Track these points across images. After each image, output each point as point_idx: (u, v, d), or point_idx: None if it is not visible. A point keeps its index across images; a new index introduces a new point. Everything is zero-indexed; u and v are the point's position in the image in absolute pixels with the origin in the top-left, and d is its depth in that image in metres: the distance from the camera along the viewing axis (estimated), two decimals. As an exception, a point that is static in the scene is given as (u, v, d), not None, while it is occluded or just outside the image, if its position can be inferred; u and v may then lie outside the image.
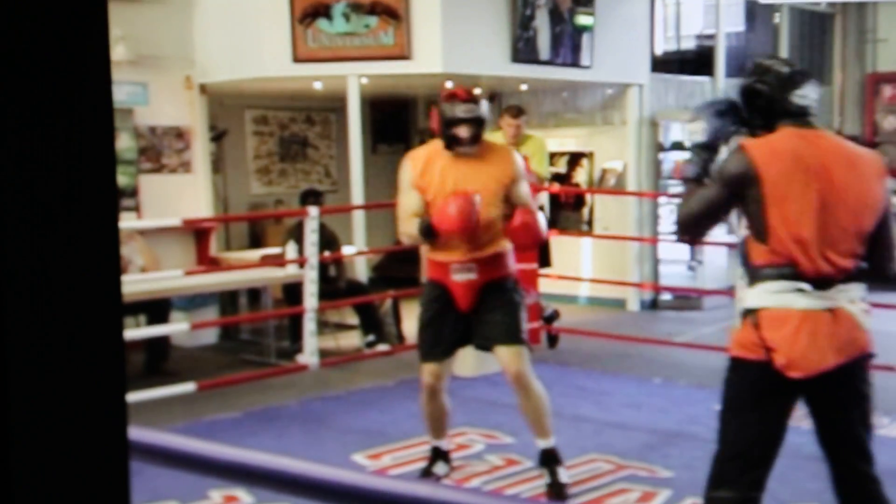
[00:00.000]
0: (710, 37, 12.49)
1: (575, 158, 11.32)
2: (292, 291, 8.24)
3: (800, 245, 3.40)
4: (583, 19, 10.03)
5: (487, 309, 5.02)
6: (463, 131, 4.91)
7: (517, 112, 8.34)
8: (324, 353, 7.75)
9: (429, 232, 4.84)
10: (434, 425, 5.35)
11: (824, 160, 3.47)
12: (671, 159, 11.31)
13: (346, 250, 9.04)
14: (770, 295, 3.44)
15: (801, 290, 3.41)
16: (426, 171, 4.97)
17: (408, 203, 5.00)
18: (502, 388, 7.34)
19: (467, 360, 7.71)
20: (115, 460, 0.77)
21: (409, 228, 4.95)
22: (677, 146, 11.20)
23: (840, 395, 3.54)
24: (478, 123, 4.95)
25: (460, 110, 4.92)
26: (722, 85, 11.81)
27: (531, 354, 8.05)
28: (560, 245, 9.49)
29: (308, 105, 12.10)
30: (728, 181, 3.47)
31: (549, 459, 5.17)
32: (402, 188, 5.08)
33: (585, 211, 11.21)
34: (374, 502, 1.35)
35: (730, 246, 9.54)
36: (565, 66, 9.96)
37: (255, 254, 9.85)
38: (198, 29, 9.51)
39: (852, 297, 3.48)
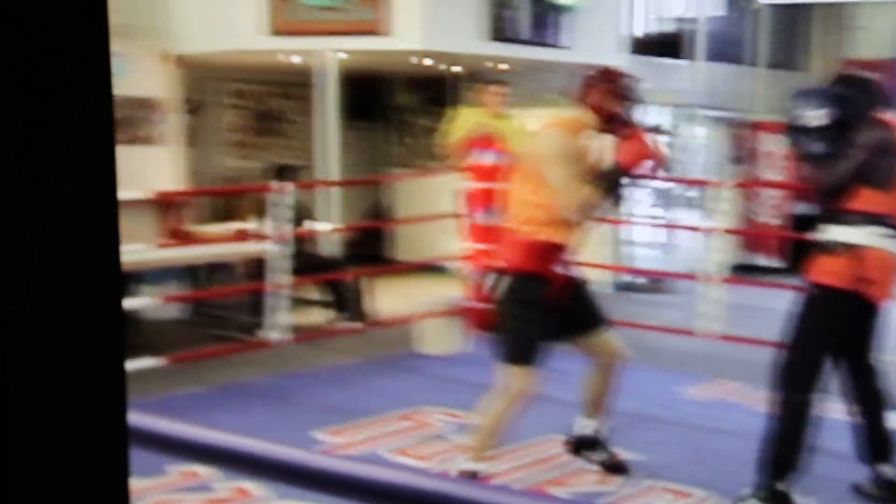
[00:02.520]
0: (691, 20, 12.48)
1: (551, 139, 11.29)
2: (263, 267, 8.22)
3: None
4: (564, 0, 10.01)
5: (577, 298, 4.92)
6: (628, 111, 4.74)
7: (502, 83, 8.38)
8: (295, 330, 7.74)
9: (617, 176, 4.61)
10: (496, 443, 4.94)
11: None
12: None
13: (320, 226, 9.02)
14: (874, 237, 4.47)
15: (893, 237, 4.50)
16: (575, 141, 4.67)
17: (570, 173, 4.58)
18: (468, 366, 7.37)
19: (434, 337, 7.72)
20: (115, 458, 0.77)
21: (578, 192, 4.55)
22: (655, 129, 11.18)
23: (877, 319, 4.68)
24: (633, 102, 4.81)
25: (632, 91, 4.78)
26: (701, 68, 11.80)
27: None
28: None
29: (285, 79, 12.03)
30: (873, 147, 4.45)
31: (597, 439, 5.21)
32: (558, 159, 4.60)
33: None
34: (333, 484, 1.35)
35: (702, 231, 9.58)
36: (545, 46, 9.94)
37: (229, 228, 9.81)
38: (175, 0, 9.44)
39: None
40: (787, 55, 13.31)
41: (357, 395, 6.62)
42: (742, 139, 12.46)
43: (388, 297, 9.23)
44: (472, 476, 4.77)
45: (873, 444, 4.79)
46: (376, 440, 5.64)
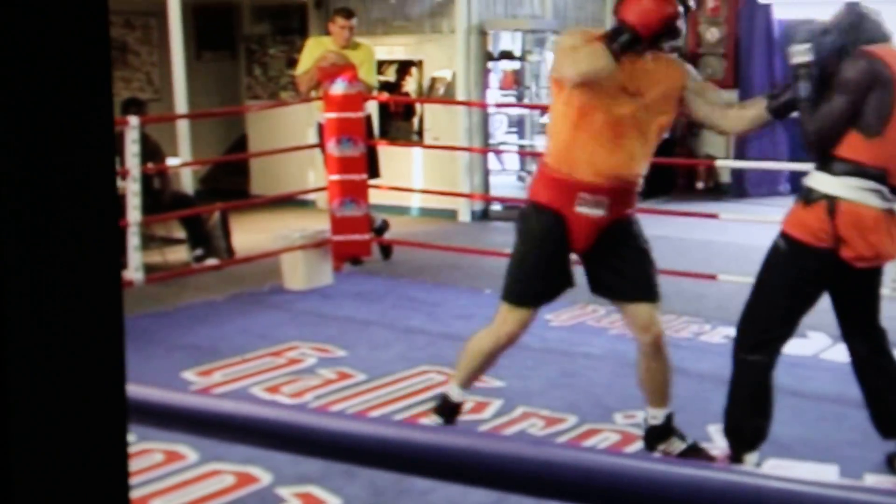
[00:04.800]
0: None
1: (404, 67, 11.24)
2: (120, 205, 7.99)
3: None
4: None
5: (617, 254, 4.32)
6: (682, 23, 4.08)
7: (349, 13, 8.21)
8: (150, 269, 7.56)
9: (632, 35, 3.93)
10: (476, 375, 4.67)
11: None
12: (500, 69, 11.33)
13: (171, 162, 8.79)
14: (853, 189, 3.88)
15: (879, 192, 3.90)
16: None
17: (585, 38, 4.07)
18: (334, 300, 7.36)
19: (298, 272, 7.65)
20: (115, 457, 0.76)
21: (592, 49, 3.96)
22: (506, 55, 11.23)
23: (872, 284, 4.20)
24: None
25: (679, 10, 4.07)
26: (549, -6, 11.84)
27: (362, 267, 8.11)
28: (390, 155, 9.44)
29: (126, 8, 11.63)
30: (857, 85, 3.85)
31: (669, 429, 4.57)
32: (574, 45, 4.03)
33: (415, 121, 11.17)
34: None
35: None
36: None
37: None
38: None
39: None
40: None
41: (223, 333, 6.52)
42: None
43: (248, 233, 9.10)
44: (444, 400, 4.67)
45: (892, 416, 4.31)
46: (247, 378, 5.58)
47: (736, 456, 4.28)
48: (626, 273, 4.32)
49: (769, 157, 11.88)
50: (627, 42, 3.94)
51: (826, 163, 3.95)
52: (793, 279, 4.04)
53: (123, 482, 0.75)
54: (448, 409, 4.68)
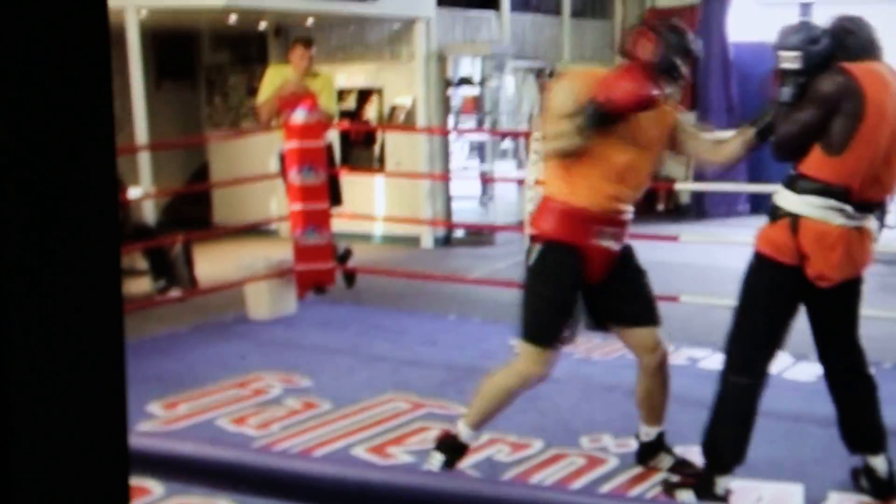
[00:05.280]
0: (495, -30, 12.58)
1: (364, 95, 11.27)
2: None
3: (867, 171, 3.85)
4: (370, -48, 9.95)
5: (624, 282, 4.38)
6: (686, 68, 4.19)
7: (309, 42, 8.22)
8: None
9: (599, 115, 3.98)
10: (490, 417, 4.52)
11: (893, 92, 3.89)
12: (460, 94, 11.38)
13: (132, 192, 8.76)
14: (814, 208, 3.87)
15: (842, 210, 3.86)
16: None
17: (566, 107, 4.10)
18: (298, 329, 7.34)
19: (262, 301, 7.64)
20: (115, 458, 0.77)
21: (565, 126, 4.04)
22: (465, 81, 11.29)
23: (847, 301, 4.15)
24: (692, 61, 4.27)
25: (694, 45, 4.20)
26: (507, 18, 11.92)
27: (326, 295, 8.10)
28: (352, 183, 9.45)
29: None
30: (827, 100, 3.82)
31: (660, 445, 4.67)
32: (556, 109, 4.14)
33: (376, 148, 11.19)
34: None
35: (519, 182, 9.73)
36: (349, 0, 9.87)
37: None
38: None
39: (874, 217, 3.99)
40: (590, 3, 13.57)
41: (187, 364, 6.50)
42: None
43: (211, 263, 9.07)
44: (452, 439, 4.51)
45: (862, 433, 4.30)
46: (213, 410, 5.55)
47: (708, 475, 4.23)
48: (633, 299, 4.40)
49: (728, 178, 11.98)
50: (599, 121, 4.00)
51: (791, 180, 3.97)
52: (766, 296, 4.05)
53: (123, 482, 0.76)
54: (454, 449, 4.53)
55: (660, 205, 12.85)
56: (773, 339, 4.09)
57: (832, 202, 3.85)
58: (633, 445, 4.81)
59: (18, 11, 0.67)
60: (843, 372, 4.25)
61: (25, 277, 0.69)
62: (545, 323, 4.27)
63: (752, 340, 4.10)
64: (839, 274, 3.92)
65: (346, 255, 8.51)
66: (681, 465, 4.60)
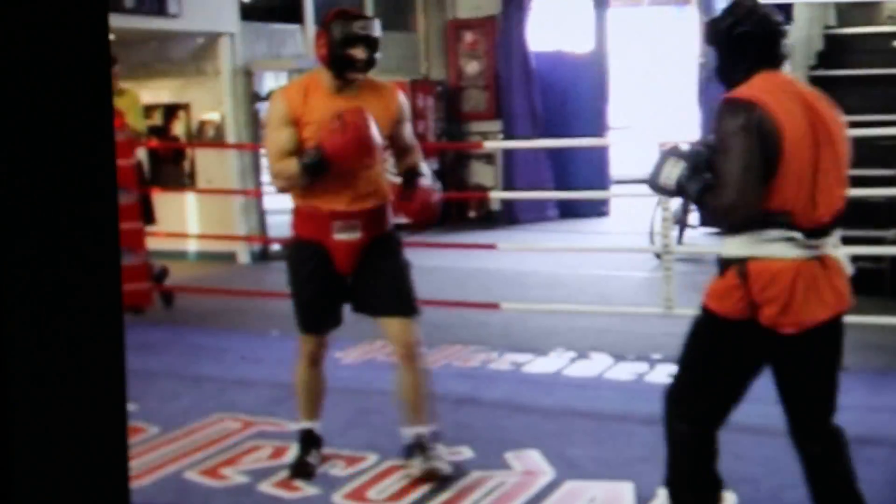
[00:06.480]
0: (298, -16, 12.57)
1: (171, 111, 11.09)
2: None
3: (798, 190, 3.31)
4: (167, -34, 9.82)
5: (373, 272, 4.52)
6: (359, 52, 4.29)
7: (111, 60, 8.03)
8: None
9: (317, 165, 4.23)
10: (311, 403, 4.85)
11: (811, 104, 3.41)
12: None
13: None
14: (758, 244, 3.33)
15: (791, 240, 3.31)
16: (307, 103, 4.35)
17: (281, 140, 4.35)
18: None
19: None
20: (115, 456, 0.79)
21: (286, 167, 4.32)
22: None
23: (819, 349, 3.47)
24: (373, 45, 4.34)
25: (357, 27, 4.31)
26: (311, 32, 11.92)
27: (144, 316, 7.93)
28: (162, 201, 9.28)
29: None
30: (748, 129, 3.27)
31: (416, 448, 4.66)
32: (271, 125, 4.43)
33: (186, 164, 11.03)
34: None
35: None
36: (151, 16, 9.71)
37: None
38: None
39: (835, 242, 3.43)
40: (393, 16, 13.69)
41: None
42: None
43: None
44: (305, 432, 4.87)
45: None
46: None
47: None
48: (381, 290, 4.54)
49: (536, 185, 12.33)
50: (320, 170, 4.27)
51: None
52: (711, 352, 3.53)
53: (123, 483, 0.76)
54: (305, 438, 4.88)
55: (471, 212, 13.07)
56: (719, 395, 3.55)
57: (777, 232, 3.31)
58: (466, 454, 4.89)
59: (19, 11, 0.68)
60: (820, 457, 3.56)
61: (25, 277, 0.69)
62: (299, 312, 4.65)
63: (697, 391, 3.57)
64: (804, 316, 3.33)
65: (163, 274, 8.36)
66: (430, 474, 4.61)
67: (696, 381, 3.56)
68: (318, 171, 4.27)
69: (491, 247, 7.50)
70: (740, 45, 3.44)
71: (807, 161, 3.32)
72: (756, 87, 3.36)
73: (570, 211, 12.95)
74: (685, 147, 3.55)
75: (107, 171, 0.76)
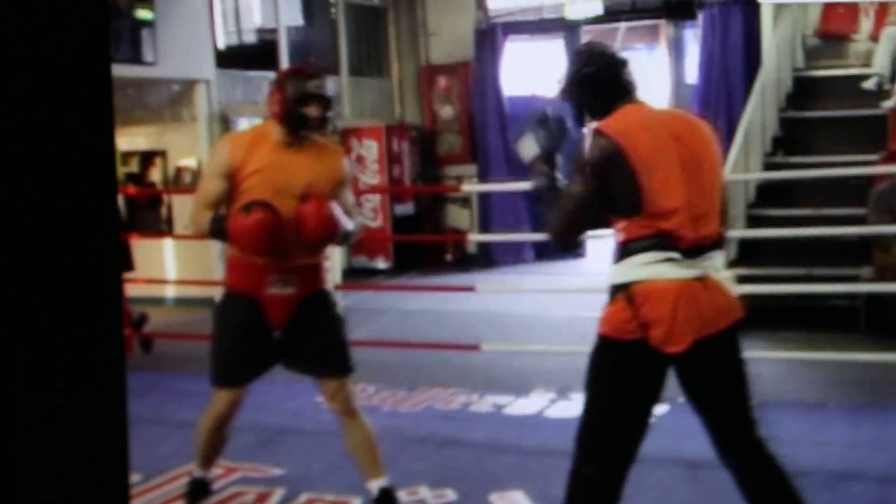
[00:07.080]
0: (272, 31, 12.66)
1: (147, 157, 11.11)
2: None
3: (671, 213, 3.40)
4: (142, 13, 9.87)
5: (306, 329, 4.45)
6: (313, 110, 4.28)
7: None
8: None
9: (220, 234, 4.23)
10: (209, 455, 4.83)
11: (674, 128, 3.54)
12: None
13: None
14: (640, 267, 3.42)
15: (671, 260, 3.40)
16: (253, 153, 4.29)
17: (210, 190, 4.33)
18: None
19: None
20: (115, 457, 0.78)
21: (202, 219, 4.29)
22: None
23: (717, 363, 3.55)
24: (327, 103, 4.34)
25: (311, 86, 4.30)
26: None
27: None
28: (141, 247, 9.28)
29: None
30: (595, 167, 3.45)
31: (391, 499, 4.68)
32: (208, 172, 4.45)
33: (164, 210, 11.04)
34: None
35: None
36: (126, 63, 9.76)
37: None
38: None
39: (716, 265, 3.52)
40: (367, 62, 13.80)
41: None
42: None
43: None
44: (199, 482, 4.87)
45: None
46: None
47: None
48: (315, 348, 4.50)
49: (512, 227, 12.40)
50: (219, 238, 4.30)
51: (613, 255, 3.54)
52: (610, 381, 3.54)
53: (123, 482, 0.77)
54: (195, 489, 4.89)
55: (448, 255, 13.11)
56: (622, 426, 3.53)
57: (657, 254, 3.40)
58: (450, 496, 4.91)
59: (19, 12, 0.69)
60: (752, 471, 3.57)
61: (25, 277, 0.70)
62: (216, 362, 4.53)
63: (598, 428, 3.55)
64: (687, 334, 3.39)
65: (142, 320, 8.34)
66: None
67: (601, 415, 3.54)
68: (221, 238, 4.30)
69: (470, 289, 7.54)
70: (590, 84, 3.62)
71: (676, 185, 3.42)
72: (618, 120, 3.51)
73: (546, 252, 13.01)
74: (552, 122, 3.74)
75: (107, 171, 0.77)
